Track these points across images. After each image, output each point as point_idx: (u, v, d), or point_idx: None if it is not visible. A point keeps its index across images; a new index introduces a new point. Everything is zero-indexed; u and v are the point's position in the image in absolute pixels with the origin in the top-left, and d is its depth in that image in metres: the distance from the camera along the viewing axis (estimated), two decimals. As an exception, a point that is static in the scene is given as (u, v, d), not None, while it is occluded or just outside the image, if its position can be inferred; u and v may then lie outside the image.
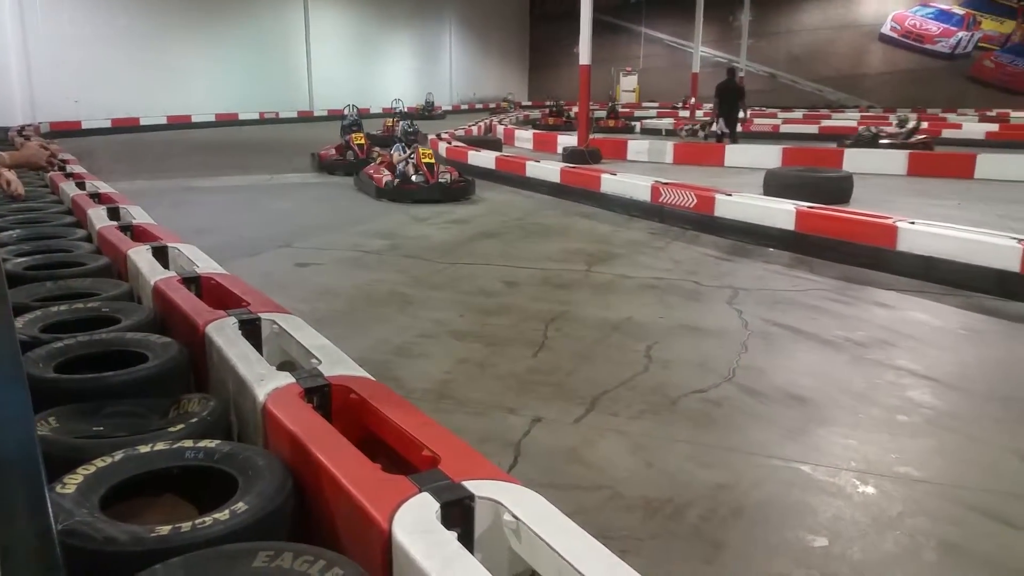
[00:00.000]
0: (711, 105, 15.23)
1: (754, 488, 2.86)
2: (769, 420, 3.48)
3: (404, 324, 4.74)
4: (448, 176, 9.77)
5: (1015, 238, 5.59)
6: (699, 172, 11.94)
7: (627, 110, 25.41)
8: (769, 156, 12.50)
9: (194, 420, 2.28)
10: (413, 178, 9.52)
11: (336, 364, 2.63)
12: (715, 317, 4.94)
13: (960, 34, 29.60)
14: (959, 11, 29.49)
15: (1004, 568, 2.43)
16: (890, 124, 16.36)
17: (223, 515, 1.75)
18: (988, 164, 11.72)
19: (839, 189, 9.23)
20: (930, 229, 6.07)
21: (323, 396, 2.48)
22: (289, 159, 14.18)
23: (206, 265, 3.82)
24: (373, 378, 2.60)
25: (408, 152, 10.13)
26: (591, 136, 13.23)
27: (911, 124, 15.34)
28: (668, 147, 14.00)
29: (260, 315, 3.06)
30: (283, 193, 10.47)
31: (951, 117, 22.58)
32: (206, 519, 1.73)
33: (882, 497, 2.83)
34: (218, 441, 2.11)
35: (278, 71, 27.00)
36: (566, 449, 3.14)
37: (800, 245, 6.81)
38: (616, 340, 4.52)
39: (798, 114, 23.22)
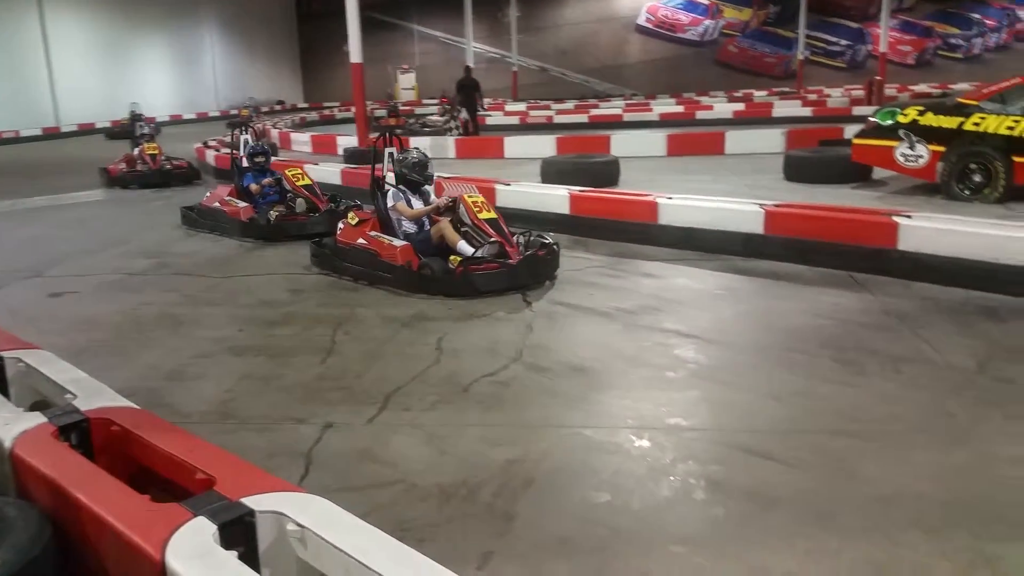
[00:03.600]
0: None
1: (542, 459, 3.00)
2: (554, 393, 3.65)
3: (177, 346, 4.46)
4: (522, 239, 5.67)
5: (758, 204, 6.26)
6: (481, 165, 12.25)
7: (408, 108, 25.48)
8: (545, 146, 13.06)
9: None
10: (478, 252, 5.35)
11: (94, 397, 2.46)
12: (502, 303, 5.08)
13: (707, 22, 32.60)
14: (704, 1, 32.43)
15: (763, 496, 2.72)
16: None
17: (-29, 574, 1.58)
18: (736, 140, 13.00)
19: (608, 173, 9.85)
20: (686, 202, 6.64)
21: (81, 432, 2.31)
22: (34, 181, 12.81)
23: (-69, 306, 3.38)
24: (138, 407, 2.45)
25: (441, 203, 5.73)
26: (373, 136, 13.12)
27: (446, 116, 18.62)
28: (450, 142, 14.22)
29: (2, 354, 2.78)
30: (30, 218, 9.43)
31: (704, 99, 24.77)
32: (-51, 581, 1.55)
33: (656, 448, 3.07)
34: (-38, 496, 1.89)
35: (13, 84, 24.04)
36: (359, 450, 3.11)
37: (576, 227, 7.19)
38: (407, 336, 4.53)
39: (570, 105, 24.41)
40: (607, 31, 33.66)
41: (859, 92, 21.87)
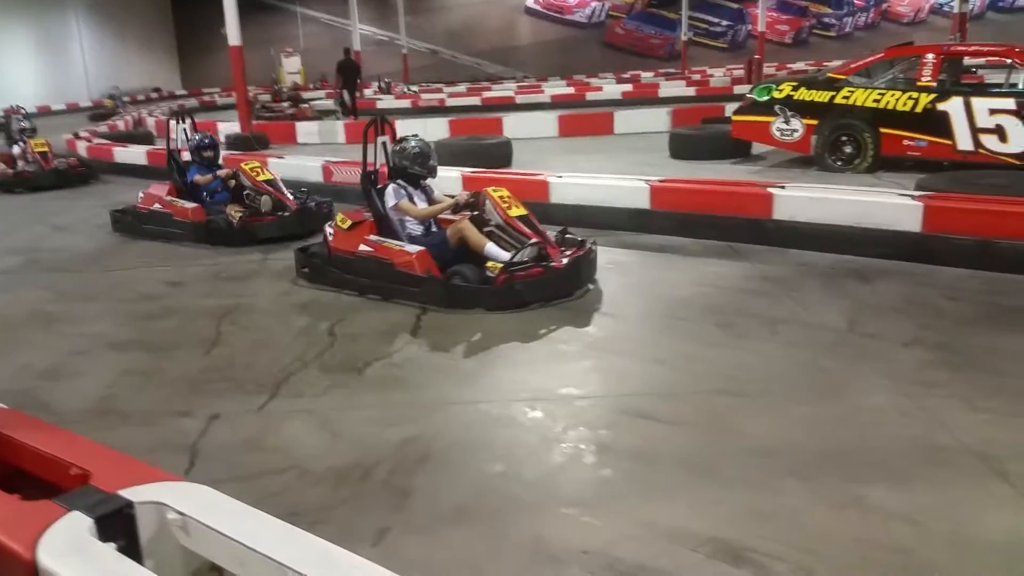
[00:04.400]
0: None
1: (438, 435, 3.00)
2: (449, 371, 3.67)
3: (51, 345, 4.22)
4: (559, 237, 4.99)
5: (644, 180, 6.43)
6: (372, 148, 12.03)
7: (294, 92, 24.76)
8: (437, 128, 12.98)
9: None
10: (519, 256, 4.57)
11: (-49, 398, 2.30)
12: (396, 285, 5.04)
13: (593, 4, 33.06)
14: (591, -18, 32.86)
15: (650, 455, 2.82)
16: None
17: None
18: (624, 119, 13.28)
19: (501, 154, 9.90)
20: (576, 180, 6.77)
21: (-63, 437, 2.16)
22: None
23: None
24: (4, 406, 2.32)
25: (461, 199, 4.99)
26: (255, 121, 12.74)
27: (287, 103, 19.51)
28: (339, 127, 13.93)
29: None
30: None
31: (594, 81, 25.17)
32: None
33: (548, 418, 3.13)
34: None
35: None
36: (248, 439, 3.04)
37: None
38: (299, 323, 4.43)
39: (462, 87, 24.34)
40: (496, 13, 33.65)
41: (740, 71, 22.71)
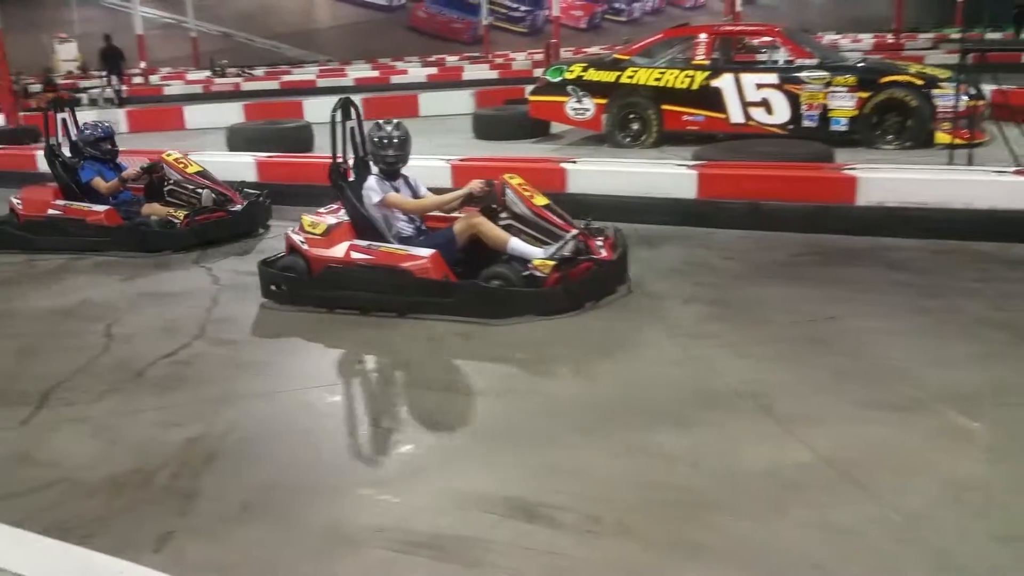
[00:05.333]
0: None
1: (228, 431, 2.85)
2: (241, 364, 3.50)
3: None
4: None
5: (446, 159, 6.46)
6: (160, 137, 11.23)
7: (71, 81, 22.62)
8: (231, 113, 12.34)
9: None
10: (562, 251, 3.94)
11: None
12: (183, 280, 4.74)
13: (393, -14, 32.71)
14: (385, -35, 32.43)
15: (448, 426, 2.86)
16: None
17: None
18: (430, 102, 13.32)
19: (300, 138, 9.55)
20: (377, 162, 6.68)
21: None
22: None
23: None
24: None
25: (475, 188, 4.13)
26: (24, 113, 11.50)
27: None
28: (120, 115, 12.89)
29: None
30: None
31: (399, 64, 24.96)
32: None
33: (347, 400, 3.10)
34: None
35: None
36: (11, 456, 2.74)
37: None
38: (69, 327, 4.05)
39: (259, 71, 23.30)
40: (291, -6, 32.46)
41: (541, 55, 23.37)
